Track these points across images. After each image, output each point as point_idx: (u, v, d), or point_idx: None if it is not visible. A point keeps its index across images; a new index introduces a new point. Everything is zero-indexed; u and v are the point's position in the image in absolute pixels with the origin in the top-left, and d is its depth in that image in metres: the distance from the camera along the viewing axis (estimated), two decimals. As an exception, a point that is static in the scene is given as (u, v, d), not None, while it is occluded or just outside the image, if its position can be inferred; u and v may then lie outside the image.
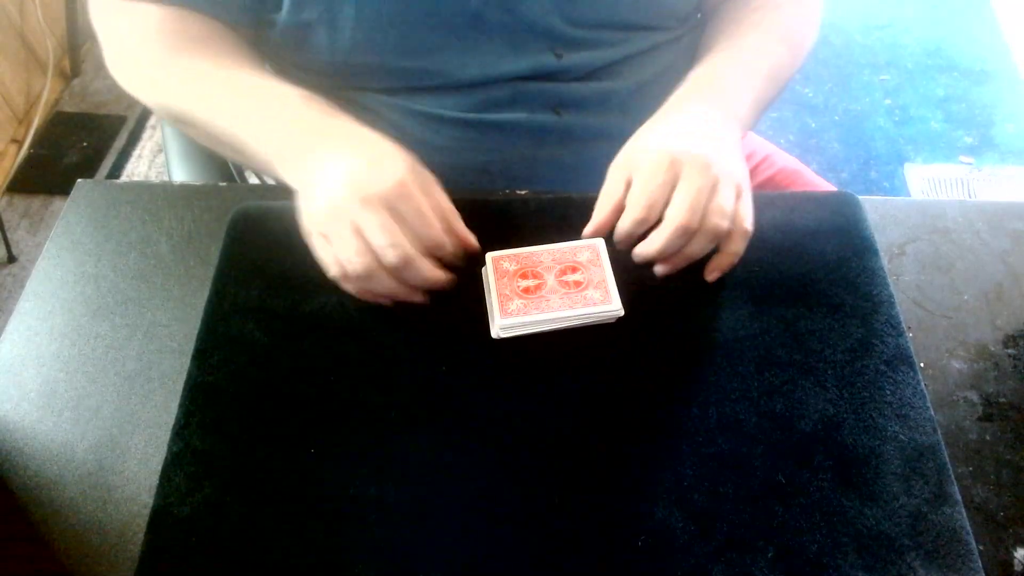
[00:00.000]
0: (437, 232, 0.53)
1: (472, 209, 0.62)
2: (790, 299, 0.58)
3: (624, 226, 0.55)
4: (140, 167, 1.82)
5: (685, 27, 0.75)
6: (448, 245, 0.54)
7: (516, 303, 0.55)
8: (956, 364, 0.58)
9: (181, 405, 0.53)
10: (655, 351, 0.56)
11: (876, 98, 2.02)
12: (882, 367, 0.54)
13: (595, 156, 0.59)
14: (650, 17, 0.69)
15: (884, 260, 0.61)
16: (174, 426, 0.52)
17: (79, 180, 0.70)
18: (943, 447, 0.51)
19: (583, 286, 0.56)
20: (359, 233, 0.51)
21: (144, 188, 0.70)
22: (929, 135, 1.92)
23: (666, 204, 0.54)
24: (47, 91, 1.87)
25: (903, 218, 0.68)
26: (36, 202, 1.75)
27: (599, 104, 0.71)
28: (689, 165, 0.54)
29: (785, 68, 0.69)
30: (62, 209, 0.68)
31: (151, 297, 0.62)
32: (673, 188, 0.54)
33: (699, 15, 0.77)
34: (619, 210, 0.57)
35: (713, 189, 0.54)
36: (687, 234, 0.54)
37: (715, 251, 0.57)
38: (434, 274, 0.53)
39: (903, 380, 0.54)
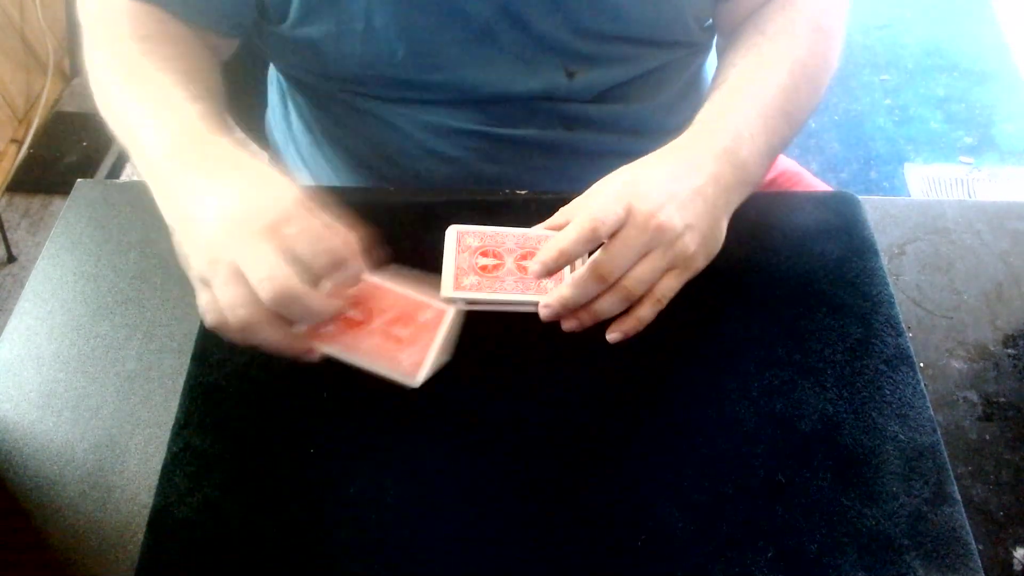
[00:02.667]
0: (335, 244, 0.47)
1: (472, 209, 0.62)
2: (790, 299, 0.58)
3: (560, 239, 0.50)
4: (140, 167, 1.82)
5: (697, 48, 0.73)
6: (350, 258, 0.48)
7: (471, 279, 0.54)
8: (956, 364, 0.58)
9: (181, 405, 0.53)
10: (655, 351, 0.56)
11: (876, 98, 2.02)
12: (882, 367, 0.54)
13: (605, 170, 0.56)
14: (661, 31, 0.67)
15: (884, 260, 0.61)
16: (174, 426, 0.52)
17: (79, 180, 0.70)
18: (943, 447, 0.51)
19: None
20: (239, 276, 0.45)
21: (144, 188, 0.70)
22: (929, 135, 1.92)
23: (598, 244, 0.51)
24: (47, 91, 1.87)
25: (903, 218, 0.68)
26: (36, 202, 1.75)
27: (610, 125, 0.70)
28: (636, 221, 0.50)
29: (803, 103, 0.63)
30: (62, 209, 0.68)
31: (151, 297, 0.62)
32: (609, 232, 0.50)
33: (713, 38, 0.75)
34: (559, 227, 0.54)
35: (645, 255, 0.51)
36: (598, 284, 0.50)
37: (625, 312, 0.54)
38: (321, 304, 0.47)
39: (903, 380, 0.54)
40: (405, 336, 0.52)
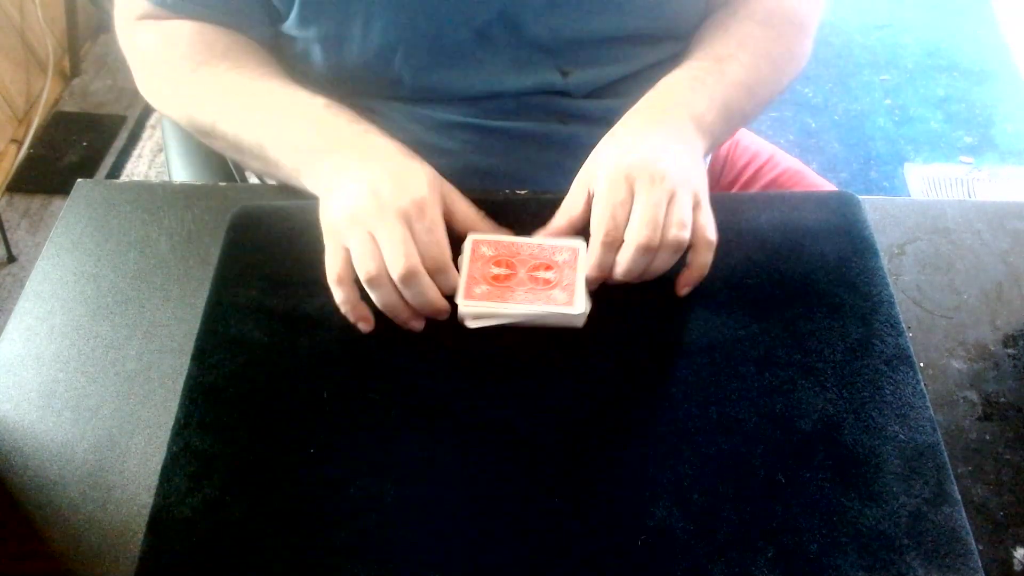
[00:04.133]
0: (445, 255, 0.54)
1: (472, 209, 0.61)
2: (790, 299, 0.58)
3: (594, 253, 0.54)
4: (140, 167, 1.82)
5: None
6: (450, 271, 0.54)
7: (482, 288, 0.55)
8: (956, 364, 0.58)
9: (181, 405, 0.53)
10: (655, 351, 0.56)
11: (876, 98, 2.02)
12: (882, 367, 0.54)
13: None
14: (656, 28, 0.68)
15: (884, 260, 0.61)
16: (174, 426, 0.52)
17: (79, 180, 0.70)
18: (943, 447, 0.51)
19: (552, 285, 0.55)
20: (374, 240, 0.52)
21: (144, 188, 0.70)
22: (929, 135, 1.92)
23: (627, 221, 0.53)
24: (47, 91, 1.87)
25: (903, 218, 0.68)
26: (36, 202, 1.75)
27: (606, 119, 0.70)
28: (643, 179, 0.53)
29: (765, 82, 0.67)
30: (62, 209, 0.68)
31: (151, 297, 0.62)
32: (632, 204, 0.53)
33: None
34: (573, 225, 0.57)
35: (670, 202, 0.53)
36: (649, 251, 0.53)
37: (684, 265, 0.56)
38: (436, 295, 0.53)
39: (903, 380, 0.54)
40: (552, 279, 0.56)
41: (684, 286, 0.57)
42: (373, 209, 0.53)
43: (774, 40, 0.68)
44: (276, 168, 0.62)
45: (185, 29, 0.65)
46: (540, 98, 0.69)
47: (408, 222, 0.53)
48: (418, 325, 0.55)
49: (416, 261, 0.52)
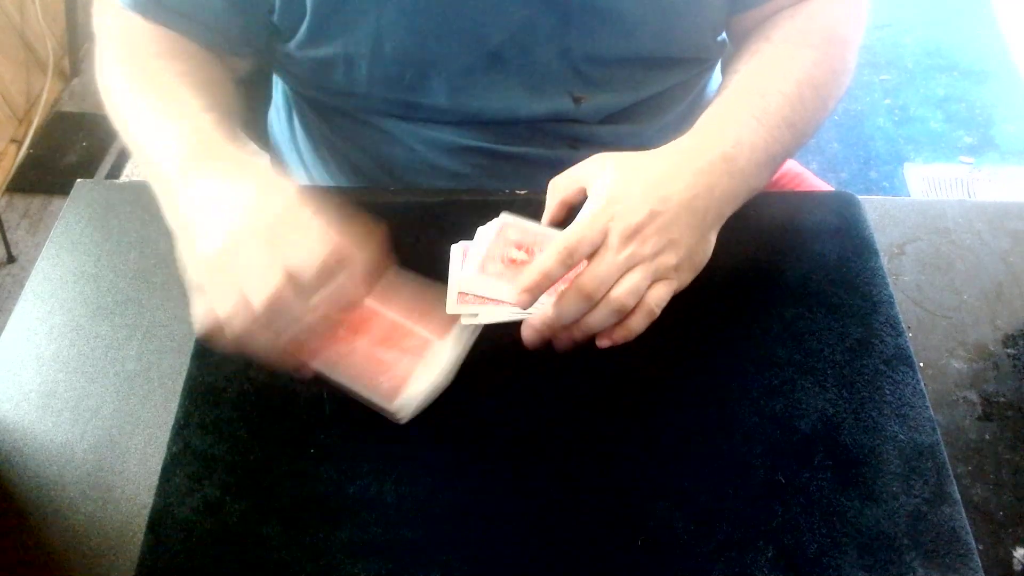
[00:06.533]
0: (328, 256, 0.47)
1: (472, 209, 0.62)
2: (790, 299, 0.58)
3: (548, 258, 0.50)
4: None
5: (707, 65, 0.72)
6: (342, 270, 0.48)
7: (497, 266, 0.53)
8: (956, 364, 0.58)
9: (181, 405, 0.53)
10: (655, 351, 0.56)
11: (876, 98, 2.02)
12: (881, 367, 0.54)
13: None
14: (667, 51, 0.66)
15: (884, 260, 0.61)
16: (174, 426, 0.52)
17: (78, 180, 0.70)
18: (942, 447, 0.51)
19: (387, 367, 0.52)
20: (234, 285, 0.46)
21: (144, 188, 0.70)
22: (929, 135, 1.92)
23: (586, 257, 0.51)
24: (47, 91, 1.87)
25: (903, 218, 0.68)
26: (36, 202, 1.75)
27: (616, 143, 0.69)
28: (622, 231, 0.50)
29: (809, 113, 0.61)
30: (62, 209, 0.68)
31: (151, 297, 0.62)
32: (599, 246, 0.51)
33: (723, 53, 0.73)
34: (566, 205, 0.57)
35: (632, 266, 0.50)
36: (587, 302, 0.50)
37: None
38: (309, 317, 0.47)
39: (902, 380, 0.54)
40: (388, 359, 0.51)
41: (603, 338, 0.52)
42: (229, 245, 0.47)
43: (816, 63, 0.62)
44: (152, 183, 0.56)
45: (144, 27, 0.62)
46: (552, 124, 0.68)
47: (272, 246, 0.46)
48: (302, 373, 0.51)
49: (276, 288, 0.45)
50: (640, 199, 0.52)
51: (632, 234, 0.51)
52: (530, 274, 0.50)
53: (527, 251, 0.55)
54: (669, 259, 0.52)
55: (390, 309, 0.53)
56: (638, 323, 0.52)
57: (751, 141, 0.57)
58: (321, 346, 0.50)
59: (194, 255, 0.49)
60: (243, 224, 0.48)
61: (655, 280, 0.52)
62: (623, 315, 0.51)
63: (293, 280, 0.46)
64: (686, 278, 0.54)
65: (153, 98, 0.58)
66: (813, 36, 0.63)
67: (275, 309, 0.45)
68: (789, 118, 0.59)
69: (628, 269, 0.50)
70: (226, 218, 0.48)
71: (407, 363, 0.51)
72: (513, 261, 0.54)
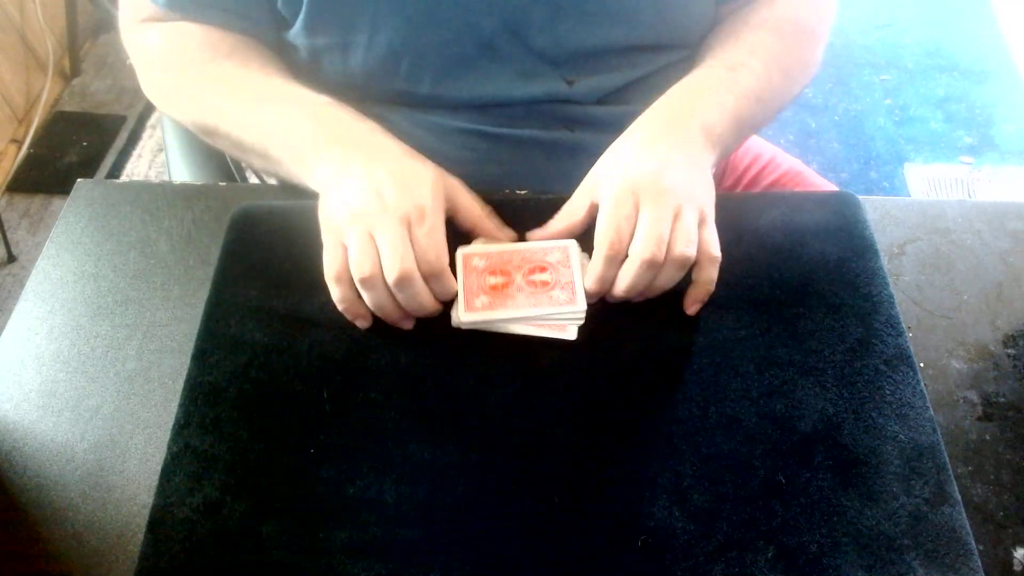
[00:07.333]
0: (441, 261, 0.53)
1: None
2: (790, 299, 0.58)
3: (596, 267, 0.54)
4: (140, 167, 1.82)
5: (698, 47, 0.73)
6: (445, 277, 0.54)
7: (482, 299, 0.55)
8: (956, 364, 0.58)
9: (181, 405, 0.53)
10: (655, 351, 0.56)
11: (876, 98, 2.02)
12: (882, 367, 0.54)
13: None
14: (661, 38, 0.68)
15: (884, 260, 0.61)
16: (174, 426, 0.52)
17: (79, 180, 0.70)
18: (943, 447, 0.51)
19: (550, 286, 0.55)
20: (372, 241, 0.52)
21: (144, 188, 0.70)
22: (929, 135, 1.92)
23: (632, 236, 0.53)
24: (47, 91, 1.87)
25: (903, 218, 0.68)
26: (36, 202, 1.75)
27: (612, 125, 0.70)
28: (649, 194, 0.53)
29: (777, 92, 0.66)
30: (62, 209, 0.68)
31: (151, 297, 0.62)
32: (637, 219, 0.53)
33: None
34: (571, 231, 0.58)
35: (676, 218, 0.53)
36: (653, 267, 0.52)
37: (689, 282, 0.55)
38: (428, 299, 0.54)
39: (903, 380, 0.54)
40: (549, 280, 0.56)
41: (692, 304, 0.56)
42: (374, 210, 0.53)
43: (786, 49, 0.67)
44: (278, 165, 0.62)
45: (191, 30, 0.65)
46: (547, 106, 0.69)
47: (408, 225, 0.52)
48: (408, 324, 0.56)
49: (412, 266, 0.52)
50: (647, 161, 0.56)
51: (659, 189, 0.53)
52: (591, 286, 0.54)
53: (502, 272, 0.56)
54: (699, 197, 0.55)
55: (510, 241, 0.59)
56: (709, 273, 0.55)
57: (720, 105, 0.61)
58: (488, 300, 0.55)
59: (339, 205, 0.54)
60: (388, 194, 0.53)
61: (678, 216, 0.53)
62: (688, 267, 0.54)
63: (422, 269, 0.52)
64: (704, 198, 0.56)
65: (257, 91, 0.63)
66: (786, 26, 0.68)
67: (404, 282, 0.52)
68: (757, 92, 0.63)
69: (675, 219, 0.53)
70: (374, 184, 0.54)
71: (563, 271, 0.56)
72: (494, 287, 0.56)
